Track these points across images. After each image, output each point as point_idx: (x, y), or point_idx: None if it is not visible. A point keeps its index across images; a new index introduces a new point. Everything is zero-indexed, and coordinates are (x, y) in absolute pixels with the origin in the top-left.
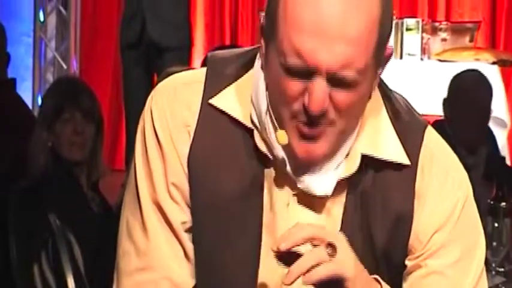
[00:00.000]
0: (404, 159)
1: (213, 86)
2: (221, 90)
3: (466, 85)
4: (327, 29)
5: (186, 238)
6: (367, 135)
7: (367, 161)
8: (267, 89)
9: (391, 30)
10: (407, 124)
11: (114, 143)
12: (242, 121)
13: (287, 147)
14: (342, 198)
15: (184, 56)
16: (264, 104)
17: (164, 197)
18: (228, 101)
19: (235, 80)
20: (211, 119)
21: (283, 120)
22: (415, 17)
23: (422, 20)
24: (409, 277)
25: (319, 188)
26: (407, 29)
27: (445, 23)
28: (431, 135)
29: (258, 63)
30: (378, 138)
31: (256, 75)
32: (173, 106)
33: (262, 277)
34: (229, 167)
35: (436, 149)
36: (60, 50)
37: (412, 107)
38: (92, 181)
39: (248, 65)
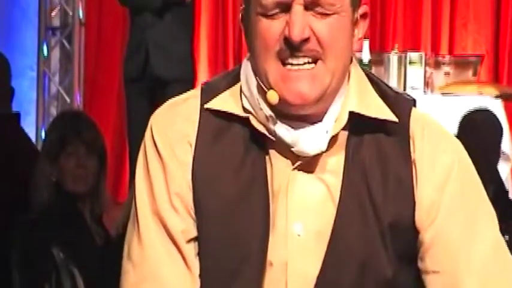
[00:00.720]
0: (393, 117)
1: (208, 96)
2: (215, 97)
3: (476, 125)
4: None
5: (188, 248)
6: (355, 97)
7: (359, 123)
8: (252, 68)
9: None
10: (394, 99)
11: (117, 176)
12: (237, 113)
13: (280, 108)
14: (340, 165)
15: (188, 89)
16: (253, 81)
17: (165, 207)
18: (222, 101)
19: (228, 89)
20: (210, 124)
21: (272, 72)
22: (418, 50)
23: (426, 54)
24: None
25: (312, 147)
26: (410, 63)
27: (448, 56)
28: (420, 110)
29: (244, 60)
30: (365, 100)
31: (243, 70)
32: (172, 120)
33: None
34: (231, 164)
35: (425, 119)
36: (64, 84)
37: (398, 89)
38: (95, 214)
39: (238, 77)
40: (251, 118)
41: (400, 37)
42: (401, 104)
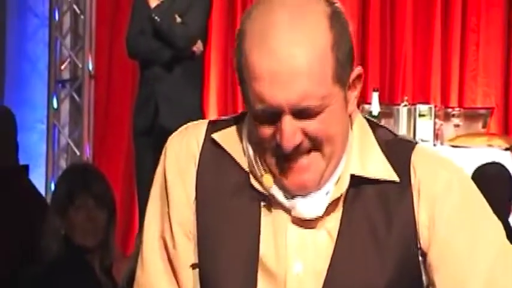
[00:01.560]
0: (392, 176)
1: (216, 124)
2: (224, 128)
3: (487, 179)
4: (280, 71)
5: (186, 277)
6: (355, 157)
7: (360, 181)
8: (251, 134)
9: (351, 50)
10: (394, 147)
11: (127, 228)
12: (239, 162)
13: (279, 181)
14: (338, 214)
15: None
16: (251, 149)
17: (167, 235)
18: (229, 140)
19: (237, 123)
20: (213, 153)
21: (267, 160)
22: (427, 103)
23: (435, 106)
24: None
25: (311, 213)
26: (420, 115)
27: (457, 109)
28: (422, 151)
29: None
30: (366, 159)
31: (248, 121)
32: (183, 140)
33: None
34: (229, 201)
35: (426, 152)
36: (73, 137)
37: (399, 134)
38: (105, 266)
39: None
40: (250, 176)
41: (410, 89)
42: (401, 152)
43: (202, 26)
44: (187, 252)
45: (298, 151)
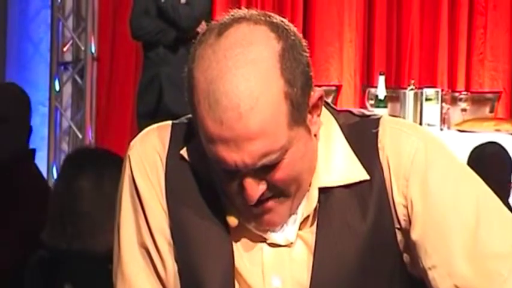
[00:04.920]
0: (362, 175)
1: (180, 125)
2: (189, 133)
3: (484, 159)
4: (232, 138)
5: (173, 284)
6: (322, 167)
7: (328, 189)
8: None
9: (308, 76)
10: (359, 132)
11: None
12: (204, 179)
13: (246, 220)
14: (313, 227)
15: None
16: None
17: (149, 243)
18: (196, 155)
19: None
20: (181, 158)
21: (232, 198)
22: (434, 87)
23: (442, 90)
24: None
25: (283, 240)
26: (426, 99)
27: (465, 93)
28: (385, 125)
29: None
30: (333, 163)
31: None
32: (148, 145)
33: None
34: (201, 212)
35: (390, 131)
36: (76, 119)
37: (362, 113)
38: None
39: None
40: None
41: (416, 73)
42: (367, 131)
43: (206, 6)
44: (172, 258)
45: (263, 198)
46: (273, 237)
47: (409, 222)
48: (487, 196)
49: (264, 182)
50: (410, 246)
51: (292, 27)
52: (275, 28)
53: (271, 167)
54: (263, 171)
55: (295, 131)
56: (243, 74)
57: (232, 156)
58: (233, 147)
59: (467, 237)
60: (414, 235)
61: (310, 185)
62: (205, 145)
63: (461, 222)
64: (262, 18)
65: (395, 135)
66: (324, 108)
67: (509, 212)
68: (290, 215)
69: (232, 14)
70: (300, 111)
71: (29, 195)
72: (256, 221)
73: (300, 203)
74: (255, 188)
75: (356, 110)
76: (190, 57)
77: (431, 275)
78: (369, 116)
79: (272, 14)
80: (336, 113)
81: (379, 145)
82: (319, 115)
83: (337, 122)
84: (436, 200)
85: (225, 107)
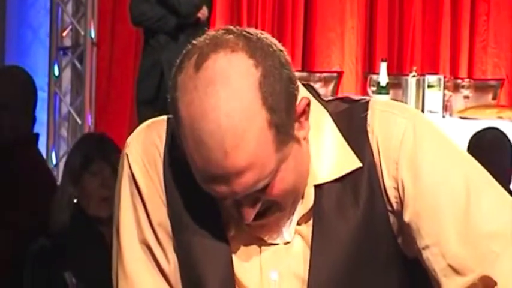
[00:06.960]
0: (355, 163)
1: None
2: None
3: (484, 144)
4: (220, 173)
5: (175, 279)
6: (315, 164)
7: (323, 185)
8: None
9: (291, 95)
10: (349, 118)
11: None
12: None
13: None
14: (310, 221)
15: None
16: None
17: (150, 238)
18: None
19: None
20: (178, 160)
21: (228, 208)
22: (437, 73)
23: (445, 77)
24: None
25: (281, 241)
26: (429, 86)
27: (467, 80)
28: (374, 107)
29: None
30: (325, 156)
31: None
32: (147, 140)
33: None
34: (199, 210)
35: (379, 113)
36: (75, 105)
37: (350, 98)
38: None
39: None
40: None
41: (419, 59)
42: (357, 116)
43: None
44: (173, 250)
45: (259, 213)
46: (270, 238)
47: (401, 204)
48: (478, 172)
49: (259, 200)
50: (404, 228)
51: (270, 40)
52: (253, 51)
53: (264, 187)
54: (256, 192)
55: (283, 151)
56: (226, 112)
57: (222, 188)
58: (222, 181)
59: (458, 216)
60: (407, 217)
61: (305, 185)
62: (195, 174)
63: (452, 200)
64: (240, 42)
65: (384, 118)
66: (314, 100)
67: (500, 187)
68: (288, 219)
69: (208, 35)
70: (286, 130)
71: (30, 179)
72: (250, 230)
73: (296, 207)
74: (250, 211)
75: (345, 97)
76: (172, 84)
77: (425, 255)
78: (358, 100)
79: (249, 30)
80: (325, 103)
81: (368, 128)
82: (307, 118)
83: (327, 111)
84: (427, 180)
85: (211, 147)
